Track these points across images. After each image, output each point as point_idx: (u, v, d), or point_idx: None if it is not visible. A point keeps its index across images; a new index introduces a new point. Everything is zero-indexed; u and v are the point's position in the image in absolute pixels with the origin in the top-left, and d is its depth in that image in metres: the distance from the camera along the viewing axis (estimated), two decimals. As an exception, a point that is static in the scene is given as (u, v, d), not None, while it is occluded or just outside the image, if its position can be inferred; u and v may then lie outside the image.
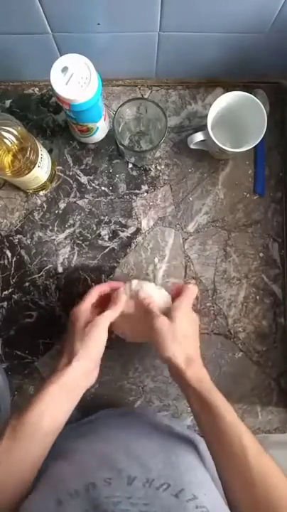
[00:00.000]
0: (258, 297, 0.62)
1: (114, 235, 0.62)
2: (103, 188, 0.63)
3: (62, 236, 0.62)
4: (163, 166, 0.63)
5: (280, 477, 0.39)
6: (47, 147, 0.63)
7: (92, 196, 0.63)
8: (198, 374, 0.45)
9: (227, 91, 0.56)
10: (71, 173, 0.63)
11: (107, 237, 0.63)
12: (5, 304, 0.61)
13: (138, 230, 0.63)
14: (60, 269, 0.62)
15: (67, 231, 0.62)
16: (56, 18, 0.49)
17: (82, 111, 0.50)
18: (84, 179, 0.63)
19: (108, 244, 0.62)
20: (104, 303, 0.51)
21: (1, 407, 0.37)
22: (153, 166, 0.63)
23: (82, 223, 0.63)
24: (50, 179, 0.61)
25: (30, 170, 0.53)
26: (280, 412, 0.62)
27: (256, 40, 0.55)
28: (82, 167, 0.63)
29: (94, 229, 0.63)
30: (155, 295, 0.51)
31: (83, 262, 0.62)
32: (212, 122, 0.56)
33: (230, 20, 0.51)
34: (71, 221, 0.63)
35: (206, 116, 0.55)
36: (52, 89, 0.47)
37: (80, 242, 0.62)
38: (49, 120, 0.64)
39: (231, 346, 0.62)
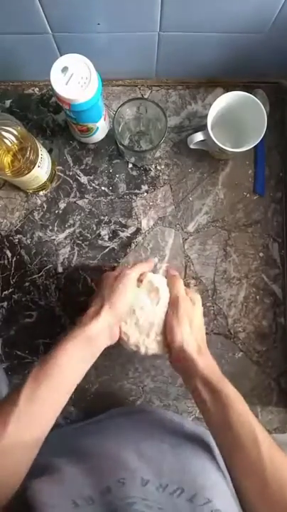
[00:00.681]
0: (258, 297, 0.62)
1: (114, 235, 0.63)
2: (103, 188, 0.63)
3: (62, 236, 0.62)
4: (163, 166, 0.63)
5: None
6: (47, 147, 0.63)
7: (92, 196, 0.63)
8: (208, 363, 0.44)
9: (227, 91, 0.56)
10: (71, 173, 0.63)
11: (107, 237, 0.63)
12: (5, 304, 0.61)
13: (138, 230, 0.63)
14: (60, 269, 0.62)
15: (67, 231, 0.62)
16: (56, 18, 0.49)
17: (82, 111, 0.50)
18: (84, 179, 0.63)
19: (108, 244, 0.62)
20: None
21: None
22: (153, 166, 0.63)
23: (82, 223, 0.63)
24: (50, 179, 0.61)
25: (30, 170, 0.53)
26: (280, 412, 0.62)
27: (256, 40, 0.55)
28: (82, 167, 0.63)
29: (94, 229, 0.63)
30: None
31: (83, 262, 0.62)
32: (212, 122, 0.56)
33: (230, 20, 0.51)
34: (71, 221, 0.63)
35: (206, 116, 0.55)
36: (52, 89, 0.47)
37: (80, 242, 0.62)
38: (49, 120, 0.64)
39: (231, 346, 0.62)
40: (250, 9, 0.48)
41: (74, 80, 0.47)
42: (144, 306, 0.48)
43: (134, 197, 0.63)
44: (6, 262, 0.62)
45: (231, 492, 0.40)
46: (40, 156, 0.54)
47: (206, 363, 0.44)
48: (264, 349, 0.62)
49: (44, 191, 0.63)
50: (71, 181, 0.63)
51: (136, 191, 0.63)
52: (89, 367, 0.44)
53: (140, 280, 0.50)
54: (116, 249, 0.62)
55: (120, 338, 0.48)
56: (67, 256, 0.62)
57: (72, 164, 0.63)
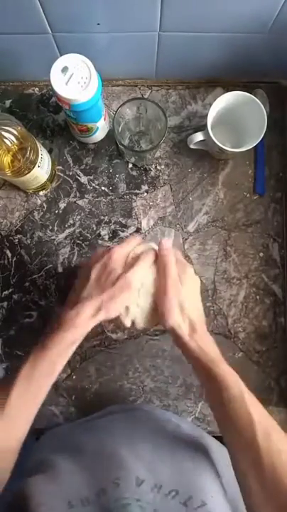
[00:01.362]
0: (258, 297, 0.62)
1: (114, 234, 0.62)
2: (103, 188, 0.63)
3: (62, 236, 0.62)
4: (163, 166, 0.63)
5: None
6: (47, 147, 0.63)
7: (92, 196, 0.63)
8: (201, 343, 0.42)
9: (227, 91, 0.56)
10: (71, 173, 0.63)
11: (107, 237, 0.62)
12: (5, 303, 0.61)
13: (138, 230, 0.63)
14: (60, 269, 0.62)
15: (67, 231, 0.62)
16: (56, 18, 0.49)
17: (82, 111, 0.50)
18: (84, 179, 0.63)
19: (108, 244, 0.62)
20: None
21: None
22: (153, 166, 0.63)
23: (82, 223, 0.63)
24: (50, 179, 0.61)
25: (30, 170, 0.53)
26: (280, 412, 0.62)
27: (256, 40, 0.55)
28: (82, 167, 0.63)
29: (94, 229, 0.63)
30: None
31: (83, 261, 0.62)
32: (211, 122, 0.56)
33: (230, 20, 0.51)
34: (71, 221, 0.63)
35: (206, 116, 0.55)
36: (52, 89, 0.47)
37: (80, 242, 0.62)
38: (49, 120, 0.64)
39: (231, 346, 0.62)
40: (250, 9, 0.48)
41: (74, 79, 0.47)
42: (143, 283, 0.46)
43: (134, 197, 0.63)
44: (6, 262, 0.62)
45: (226, 495, 0.40)
46: (40, 156, 0.54)
47: (198, 344, 0.42)
48: (264, 349, 0.62)
49: (44, 191, 0.63)
50: (71, 181, 0.63)
51: (136, 191, 0.63)
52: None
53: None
54: (116, 249, 0.62)
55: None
56: (67, 256, 0.62)
57: (72, 164, 0.63)
